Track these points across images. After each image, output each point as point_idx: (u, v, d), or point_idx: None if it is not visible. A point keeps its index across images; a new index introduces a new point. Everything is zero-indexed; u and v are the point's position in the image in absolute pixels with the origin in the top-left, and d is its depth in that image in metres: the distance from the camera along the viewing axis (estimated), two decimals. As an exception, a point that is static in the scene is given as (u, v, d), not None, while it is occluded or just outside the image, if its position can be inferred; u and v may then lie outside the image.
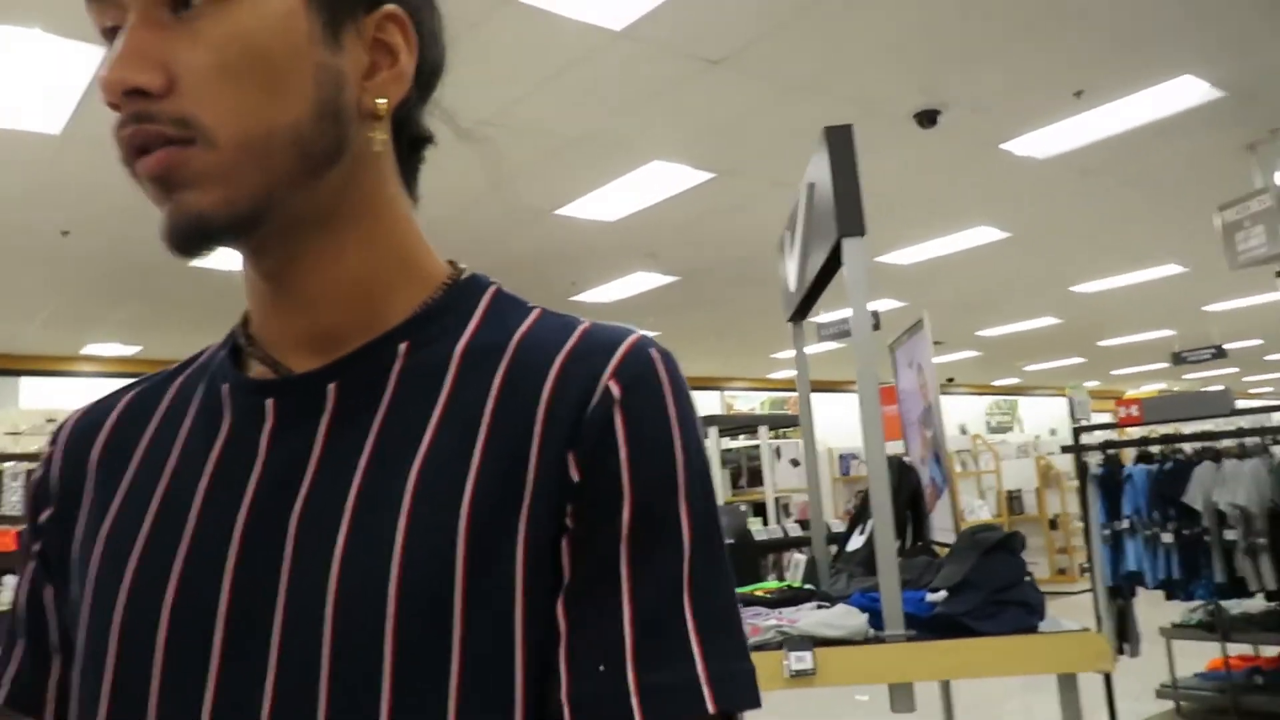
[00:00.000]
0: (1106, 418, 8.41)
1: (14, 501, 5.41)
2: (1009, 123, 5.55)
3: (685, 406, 0.57)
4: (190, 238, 0.54)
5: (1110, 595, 4.56)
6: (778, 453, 9.68)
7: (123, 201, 5.71)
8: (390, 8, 0.59)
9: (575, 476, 0.54)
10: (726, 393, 16.02)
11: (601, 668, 0.51)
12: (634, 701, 0.50)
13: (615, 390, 0.55)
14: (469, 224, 6.65)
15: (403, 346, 0.59)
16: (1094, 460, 4.84)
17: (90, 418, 0.67)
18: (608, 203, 6.45)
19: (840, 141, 2.41)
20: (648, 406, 0.55)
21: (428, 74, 0.64)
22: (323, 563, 0.52)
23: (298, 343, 0.60)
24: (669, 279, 8.85)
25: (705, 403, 15.16)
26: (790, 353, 3.40)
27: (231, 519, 0.55)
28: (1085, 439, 4.95)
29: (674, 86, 4.75)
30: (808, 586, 2.98)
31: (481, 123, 4.96)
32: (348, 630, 0.50)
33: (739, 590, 3.04)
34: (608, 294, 9.26)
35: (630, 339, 0.58)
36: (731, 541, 7.29)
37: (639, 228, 7.09)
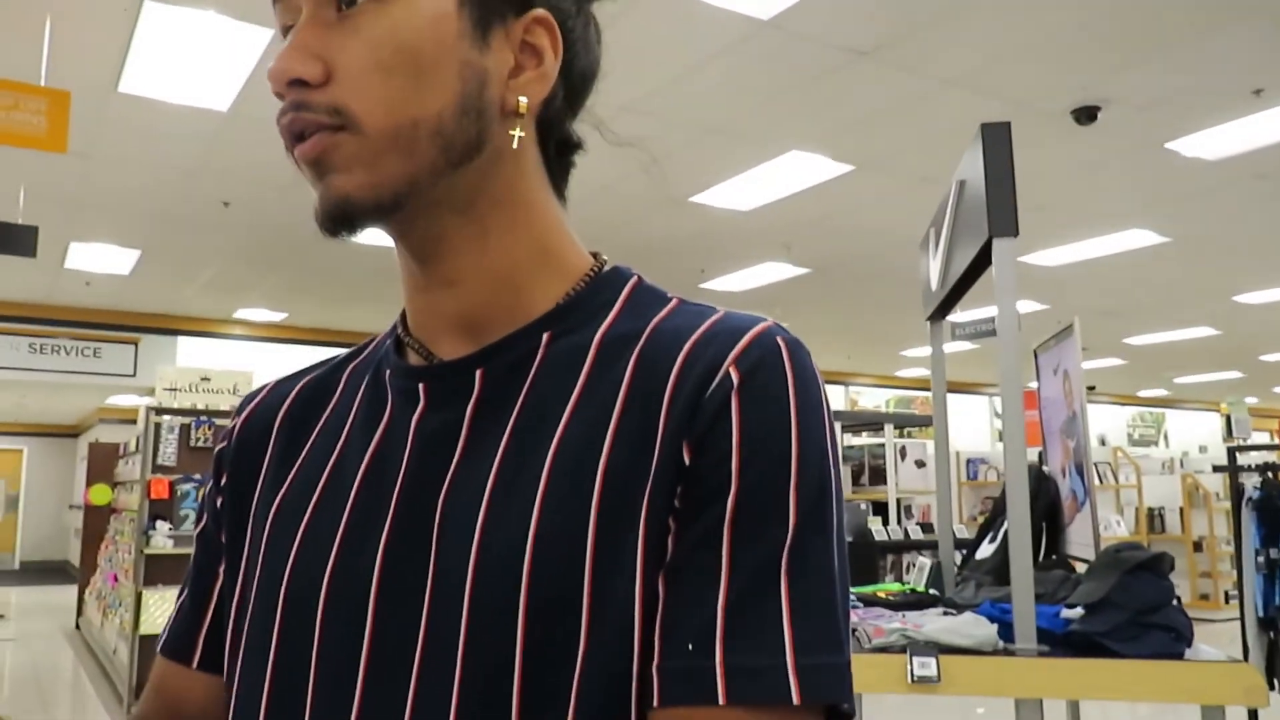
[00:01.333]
0: (1265, 438, 7.87)
1: (169, 453, 5.80)
2: (1177, 121, 5.24)
3: (808, 395, 0.56)
4: (337, 219, 0.58)
5: (1261, 627, 4.28)
6: (902, 452, 9.46)
7: (280, 178, 6.04)
8: (539, 12, 0.61)
9: (686, 459, 0.54)
10: (852, 388, 15.73)
11: (690, 645, 0.51)
12: (719, 682, 0.50)
13: (734, 376, 0.55)
14: (604, 207, 6.74)
15: (545, 336, 0.61)
16: (1250, 482, 4.54)
17: (271, 396, 0.73)
18: (743, 192, 6.42)
19: (996, 140, 2.33)
20: (766, 393, 0.55)
21: (577, 80, 0.66)
22: (465, 539, 0.55)
23: (448, 328, 0.63)
24: (800, 271, 8.74)
25: (829, 397, 14.94)
26: (919, 351, 3.32)
27: (388, 494, 0.59)
28: (1242, 459, 4.66)
29: (819, 77, 4.68)
30: (932, 592, 2.91)
31: (624, 108, 5.01)
32: (483, 604, 0.54)
33: (859, 590, 3.00)
34: (738, 283, 9.22)
35: (758, 326, 0.58)
36: (850, 539, 7.20)
37: (773, 218, 7.02)
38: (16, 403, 14.24)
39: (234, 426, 0.72)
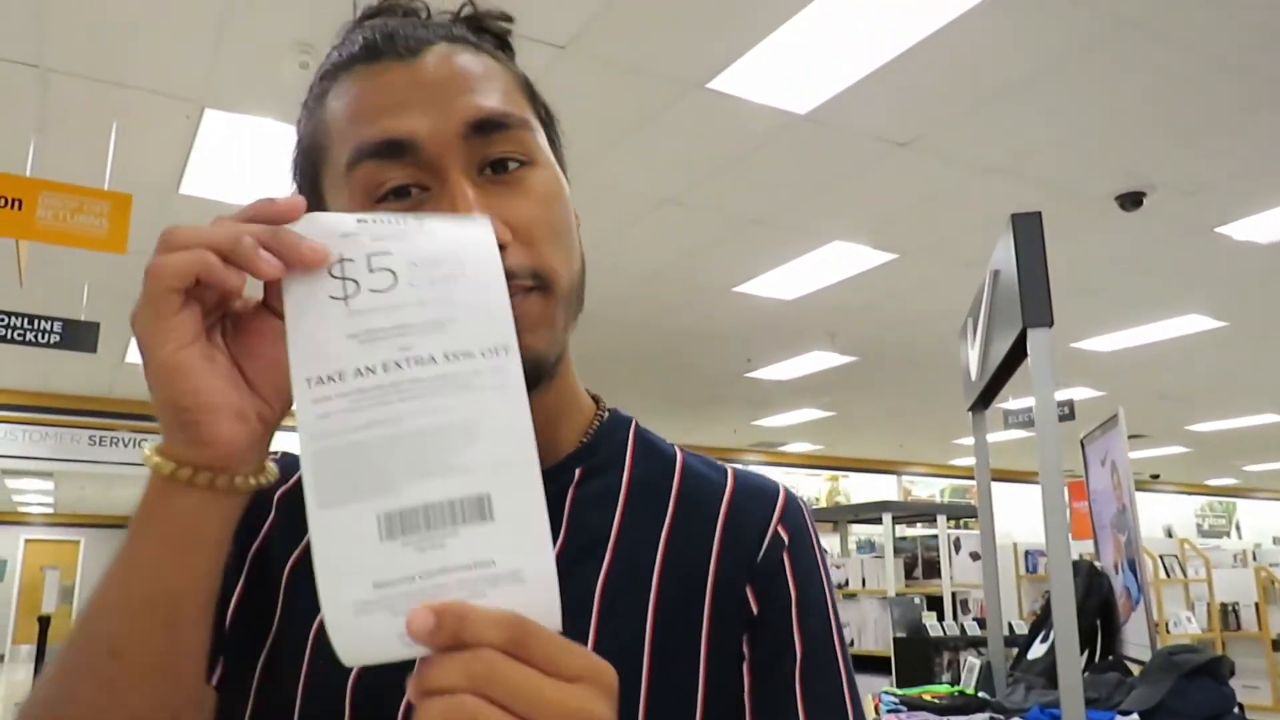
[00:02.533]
0: (1341, 529, 7.52)
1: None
2: (1226, 205, 5.17)
3: (822, 549, 0.68)
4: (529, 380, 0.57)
5: (1343, 735, 4.01)
6: (956, 544, 9.19)
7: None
8: (562, 157, 0.67)
9: (755, 609, 0.63)
10: (904, 477, 15.43)
11: None
12: None
13: (784, 536, 0.65)
14: (648, 298, 6.80)
15: (578, 472, 0.66)
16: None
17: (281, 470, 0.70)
18: (786, 281, 6.44)
19: (1027, 229, 2.31)
20: (806, 552, 0.66)
21: None
22: None
23: None
24: (847, 359, 8.69)
25: (881, 487, 14.64)
26: (972, 440, 3.24)
27: None
28: (1313, 554, 4.43)
29: (858, 168, 4.72)
30: (982, 695, 2.79)
31: (668, 201, 5.10)
32: None
33: (905, 691, 2.89)
34: (784, 371, 9.19)
35: (784, 489, 0.69)
36: (903, 635, 6.96)
37: (817, 306, 7.02)
38: (76, 494, 14.56)
39: (277, 491, 0.67)
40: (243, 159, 4.63)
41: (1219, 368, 9.06)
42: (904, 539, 9.83)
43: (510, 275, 0.54)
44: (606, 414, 0.71)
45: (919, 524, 9.92)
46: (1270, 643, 10.06)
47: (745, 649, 0.62)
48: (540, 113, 0.63)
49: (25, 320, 5.46)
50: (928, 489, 15.50)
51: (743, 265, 6.20)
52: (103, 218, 3.79)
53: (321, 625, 0.57)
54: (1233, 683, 2.20)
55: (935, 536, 8.82)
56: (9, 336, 5.39)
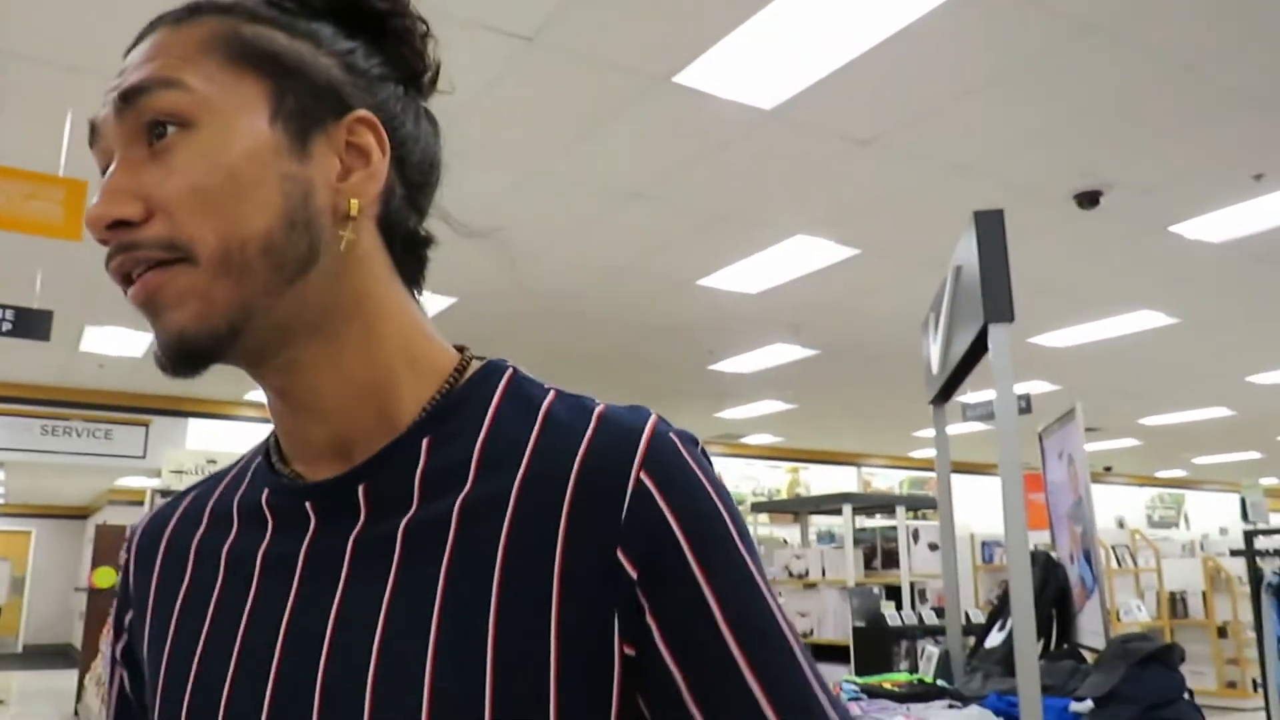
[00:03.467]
0: (1285, 521, 7.75)
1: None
2: (1179, 205, 5.29)
3: (720, 490, 0.58)
4: (177, 358, 0.56)
5: (1286, 719, 4.15)
6: (915, 535, 9.33)
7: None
8: (359, 112, 0.61)
9: (633, 573, 0.55)
10: (864, 469, 15.61)
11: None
12: None
13: (650, 482, 0.56)
14: (613, 291, 6.81)
15: (425, 443, 0.60)
16: (1270, 567, 4.46)
17: (155, 523, 0.70)
18: (750, 275, 6.48)
19: (990, 226, 2.35)
20: (691, 494, 0.57)
21: (414, 175, 0.65)
22: (360, 662, 0.54)
23: (320, 453, 0.62)
24: (809, 352, 8.77)
25: (841, 479, 14.80)
26: (932, 432, 3.30)
27: (277, 620, 0.58)
28: (1261, 542, 4.58)
29: (821, 165, 4.76)
30: (940, 683, 2.84)
31: (634, 194, 5.10)
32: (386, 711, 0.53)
33: (865, 680, 2.93)
34: (747, 364, 9.25)
35: (651, 426, 0.59)
36: (862, 625, 7.05)
37: (780, 300, 7.08)
38: (28, 485, 14.27)
39: (125, 562, 0.69)
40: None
41: (1170, 363, 9.27)
42: (864, 530, 9.94)
43: (131, 248, 0.55)
44: (471, 367, 0.65)
45: (878, 515, 10.04)
46: (1216, 630, 10.34)
47: (648, 622, 0.54)
48: (256, 62, 0.59)
49: (-23, 308, 5.35)
50: (887, 481, 15.70)
51: (708, 259, 6.23)
52: (58, 204, 3.72)
53: (193, 693, 0.59)
54: (1182, 669, 2.27)
55: (894, 527, 8.95)
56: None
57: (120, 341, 8.29)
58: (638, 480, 0.56)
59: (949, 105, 4.15)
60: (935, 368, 3.12)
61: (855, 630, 7.12)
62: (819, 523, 11.62)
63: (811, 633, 7.69)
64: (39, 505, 17.09)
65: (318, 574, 0.58)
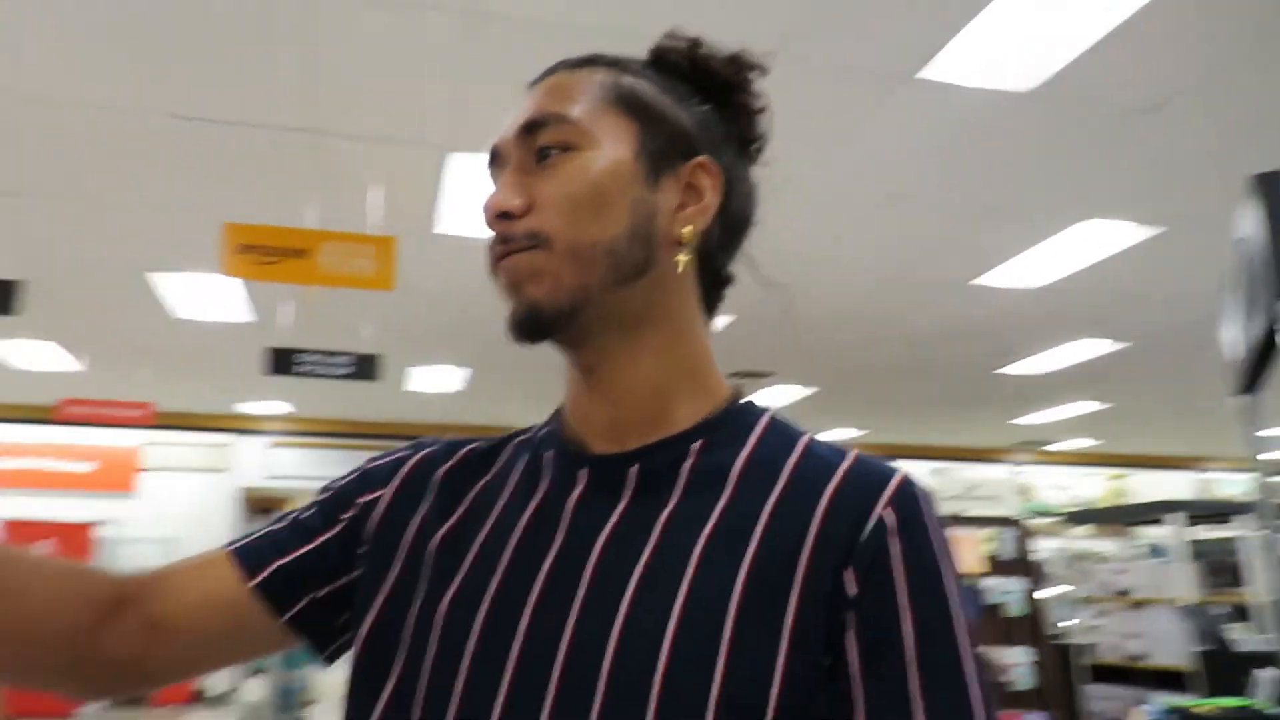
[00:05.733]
0: None
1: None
2: None
3: (944, 549, 0.64)
4: (526, 325, 0.69)
5: None
6: (1273, 546, 8.18)
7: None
8: (702, 158, 0.73)
9: (854, 590, 0.61)
10: (1202, 474, 13.94)
11: None
12: None
13: (891, 520, 0.63)
14: (884, 300, 6.63)
15: (695, 446, 0.70)
16: None
17: (440, 450, 0.80)
18: (1030, 269, 6.06)
19: (1275, 190, 2.07)
20: (919, 542, 0.63)
21: (734, 220, 0.77)
22: (606, 621, 0.61)
23: (600, 432, 0.72)
24: (1119, 346, 8.01)
25: (1173, 485, 13.29)
26: None
27: (537, 566, 0.66)
28: None
29: (1100, 141, 4.38)
30: (1276, 711, 2.51)
31: (895, 197, 4.97)
32: (621, 683, 0.59)
33: (1182, 703, 2.65)
34: (1041, 364, 8.61)
35: (901, 477, 0.66)
36: (1204, 648, 6.29)
37: (1072, 292, 6.55)
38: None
39: (403, 458, 0.80)
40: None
41: None
42: (1203, 542, 8.89)
43: (507, 239, 0.70)
44: (740, 400, 0.75)
45: (1226, 524, 8.92)
46: None
47: (849, 638, 0.60)
48: (630, 107, 0.72)
49: (320, 355, 6.21)
50: (1233, 486, 13.91)
51: (980, 256, 5.91)
52: (369, 259, 4.25)
53: (458, 592, 0.67)
54: None
55: (1236, 539, 7.92)
56: (310, 370, 6.15)
57: (443, 377, 9.24)
58: (880, 515, 0.63)
59: (1253, 53, 3.68)
60: (1237, 353, 2.77)
61: (1196, 654, 6.37)
62: (1150, 535, 10.51)
63: (1146, 657, 6.98)
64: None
65: (581, 536, 0.67)
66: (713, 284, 0.77)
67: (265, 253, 4.09)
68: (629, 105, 0.72)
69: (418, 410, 10.77)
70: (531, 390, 9.90)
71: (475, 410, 10.75)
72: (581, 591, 0.63)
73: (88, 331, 7.52)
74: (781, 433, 0.72)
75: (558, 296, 0.68)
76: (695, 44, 0.77)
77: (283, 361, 6.07)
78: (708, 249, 0.75)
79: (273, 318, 6.91)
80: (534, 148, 0.71)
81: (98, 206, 5.03)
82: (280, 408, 10.82)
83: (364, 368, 6.29)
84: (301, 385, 9.08)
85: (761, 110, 0.79)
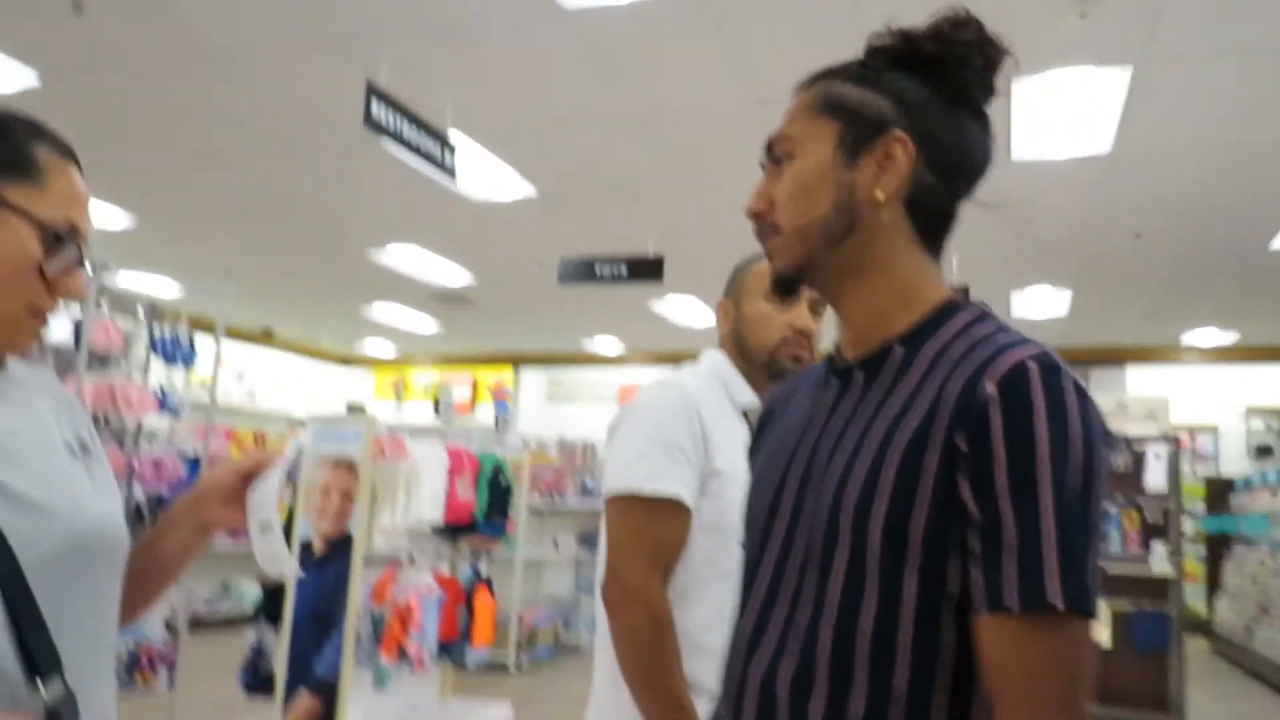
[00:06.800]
0: None
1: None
2: None
3: (1054, 409, 0.81)
4: (778, 285, 1.01)
5: None
6: None
7: (1182, 204, 5.93)
8: (893, 132, 0.94)
9: (964, 448, 0.83)
10: None
11: (997, 573, 0.81)
12: (1015, 593, 0.80)
13: (994, 393, 0.82)
14: None
15: (898, 350, 0.94)
16: None
17: (787, 384, 1.15)
18: None
19: None
20: (1018, 409, 0.81)
21: (948, 165, 0.96)
22: (830, 475, 0.91)
23: (847, 345, 1.00)
24: None
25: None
26: None
27: (806, 444, 0.98)
28: None
29: None
30: None
31: None
32: (832, 509, 0.89)
33: None
34: None
35: (1016, 354, 0.84)
36: None
37: None
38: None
39: (765, 406, 1.16)
40: (1059, 112, 4.84)
41: None
42: None
43: (761, 230, 1.01)
44: (945, 304, 0.95)
45: None
46: None
47: (962, 481, 0.82)
48: (832, 111, 0.96)
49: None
50: None
51: None
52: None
53: (768, 465, 1.04)
54: None
55: None
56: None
57: (1046, 302, 8.96)
58: (987, 389, 0.83)
59: None
60: None
61: None
62: None
63: None
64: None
65: (829, 417, 0.98)
66: (930, 220, 0.97)
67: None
68: (831, 110, 0.96)
69: (1028, 335, 10.52)
70: (1141, 309, 9.08)
71: (1083, 331, 10.19)
72: (821, 458, 0.93)
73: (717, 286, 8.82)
74: (975, 324, 0.92)
75: (790, 265, 0.98)
76: (902, 35, 0.96)
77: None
78: (918, 196, 0.94)
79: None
80: (774, 158, 1.00)
81: (714, 191, 5.99)
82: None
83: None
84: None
85: (983, 65, 0.95)
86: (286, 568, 1.13)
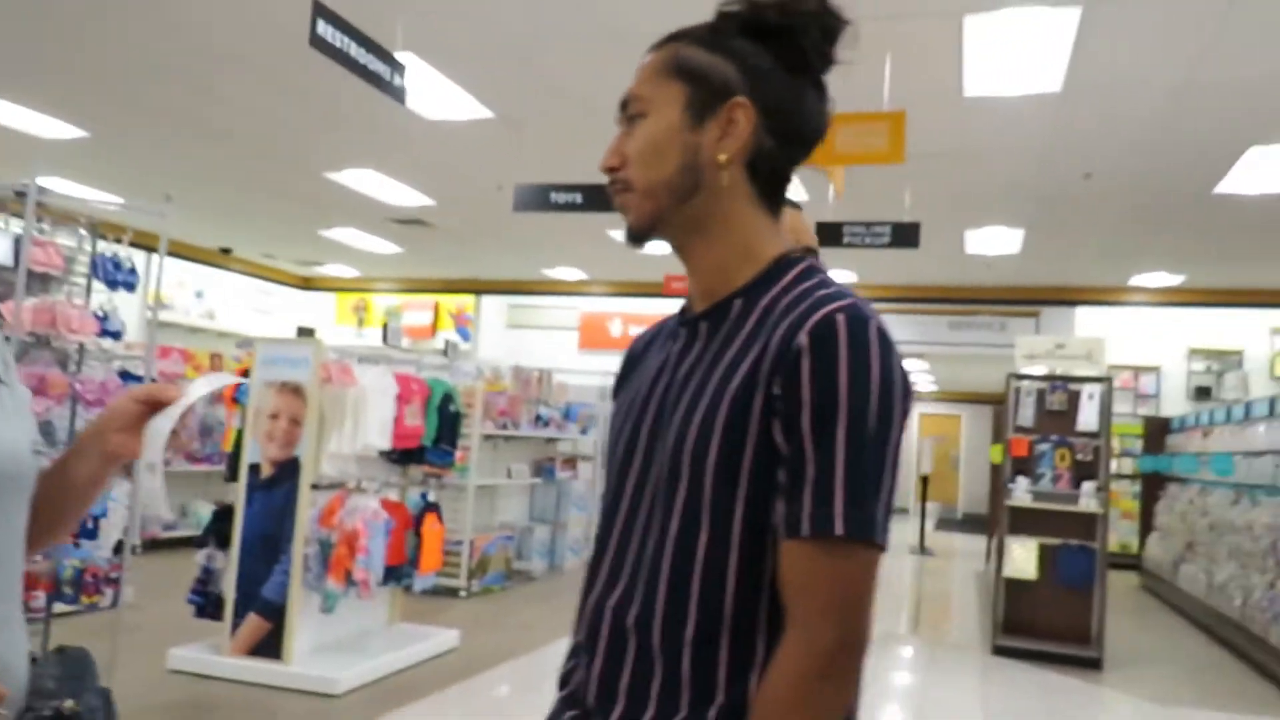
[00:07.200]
0: None
1: (1027, 415, 6.29)
2: None
3: (856, 358, 0.89)
4: (630, 237, 1.07)
5: None
6: None
7: (1131, 142, 5.99)
8: (736, 99, 1.00)
9: (778, 391, 0.92)
10: None
11: (795, 505, 0.90)
12: (806, 522, 0.89)
13: (805, 342, 0.91)
14: None
15: (737, 303, 1.02)
16: None
17: (646, 333, 1.20)
18: None
19: None
20: (824, 357, 0.90)
21: (788, 131, 1.02)
22: (670, 422, 0.99)
23: (695, 297, 1.07)
24: None
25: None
26: None
27: (656, 389, 1.05)
28: None
29: None
30: None
31: None
32: (672, 452, 0.97)
33: None
34: None
35: (828, 307, 0.92)
36: None
37: None
38: (950, 374, 16.39)
39: (629, 349, 1.21)
40: (1010, 50, 4.86)
41: None
42: None
43: (613, 184, 1.05)
44: (781, 260, 1.03)
45: None
46: None
47: (775, 423, 0.91)
48: (680, 74, 1.01)
49: (862, 227, 6.60)
50: None
51: None
52: (883, 136, 4.48)
53: (624, 416, 1.11)
54: None
55: None
56: (852, 242, 6.59)
57: (999, 240, 9.05)
58: (800, 338, 0.91)
59: None
60: None
61: None
62: None
63: None
64: (963, 393, 19.45)
65: (677, 364, 1.05)
66: (769, 182, 1.04)
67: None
68: (680, 73, 1.02)
69: (980, 273, 10.68)
70: (1092, 250, 9.22)
71: (1034, 271, 10.33)
72: (669, 402, 1.00)
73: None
74: (801, 278, 0.99)
75: (641, 220, 1.04)
76: (750, 3, 1.01)
77: (832, 235, 6.57)
78: (757, 159, 1.01)
79: (824, 196, 7.46)
80: (628, 116, 1.05)
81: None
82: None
83: (903, 235, 6.53)
84: (857, 256, 9.58)
85: (821, 38, 1.01)
86: (161, 510, 1.16)
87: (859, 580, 0.89)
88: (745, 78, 1.00)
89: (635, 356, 1.19)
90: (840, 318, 0.90)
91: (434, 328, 13.50)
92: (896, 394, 0.91)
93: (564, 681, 1.10)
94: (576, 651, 1.08)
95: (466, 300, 13.62)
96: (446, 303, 13.66)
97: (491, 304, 13.62)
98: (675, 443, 0.97)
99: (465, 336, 13.46)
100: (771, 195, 1.05)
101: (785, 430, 0.91)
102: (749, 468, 0.93)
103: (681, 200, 1.02)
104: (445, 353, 9.28)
